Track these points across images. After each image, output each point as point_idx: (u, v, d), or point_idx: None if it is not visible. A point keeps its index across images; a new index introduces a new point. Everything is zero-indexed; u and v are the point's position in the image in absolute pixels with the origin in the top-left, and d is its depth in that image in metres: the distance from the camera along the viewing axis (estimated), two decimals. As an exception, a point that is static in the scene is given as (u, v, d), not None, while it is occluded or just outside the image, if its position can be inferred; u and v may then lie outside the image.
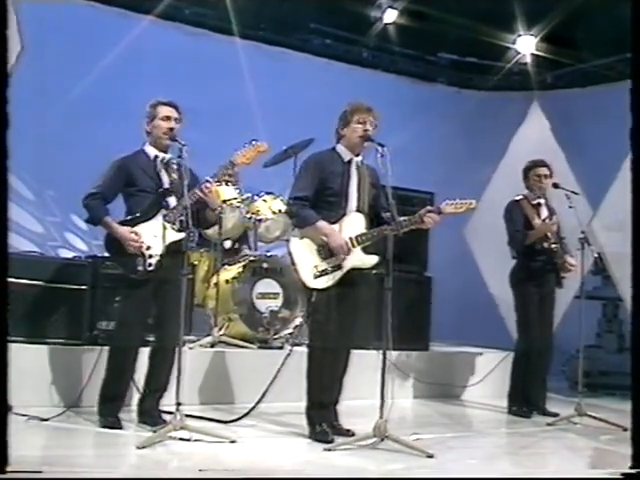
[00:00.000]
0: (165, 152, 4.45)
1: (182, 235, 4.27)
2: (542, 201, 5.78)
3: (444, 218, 4.37)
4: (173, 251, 4.30)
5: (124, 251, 4.25)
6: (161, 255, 4.30)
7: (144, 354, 4.44)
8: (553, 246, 5.62)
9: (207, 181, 4.27)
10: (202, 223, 4.52)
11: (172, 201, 4.36)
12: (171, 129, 4.37)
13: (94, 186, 4.34)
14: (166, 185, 4.39)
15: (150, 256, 4.28)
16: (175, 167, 4.44)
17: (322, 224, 4.24)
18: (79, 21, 7.10)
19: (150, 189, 4.36)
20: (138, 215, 4.32)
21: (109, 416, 4.28)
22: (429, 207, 4.44)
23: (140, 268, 4.26)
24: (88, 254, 6.15)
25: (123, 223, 4.31)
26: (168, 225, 4.31)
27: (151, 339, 4.49)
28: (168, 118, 4.39)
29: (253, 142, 4.28)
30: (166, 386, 4.38)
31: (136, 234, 4.25)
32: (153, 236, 4.29)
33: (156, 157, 4.43)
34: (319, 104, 6.99)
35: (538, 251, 5.64)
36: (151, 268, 4.27)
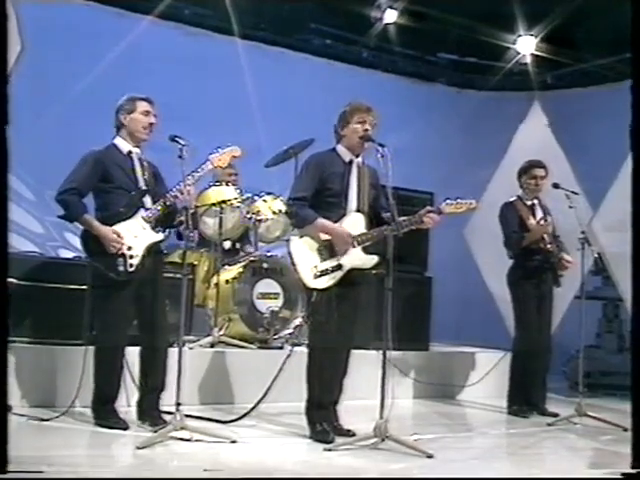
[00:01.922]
0: (138, 147, 4.42)
1: (162, 236, 4.29)
2: (536, 202, 5.78)
3: (444, 218, 4.37)
4: (154, 252, 4.30)
5: (104, 250, 4.19)
6: (142, 256, 4.26)
7: (136, 354, 4.42)
8: (549, 246, 5.62)
9: (189, 177, 4.23)
10: (171, 223, 4.44)
11: (147, 201, 4.34)
12: (151, 124, 4.36)
13: (69, 180, 4.27)
14: (142, 183, 4.36)
15: (131, 256, 4.23)
16: (146, 164, 4.43)
17: (322, 221, 4.24)
18: (79, 21, 7.09)
19: (127, 187, 4.31)
20: (116, 213, 4.26)
21: (109, 418, 4.26)
22: (429, 207, 4.44)
23: (121, 269, 4.20)
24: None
25: (102, 221, 4.24)
26: (147, 225, 4.29)
27: (140, 339, 4.42)
28: (148, 113, 4.38)
29: (229, 146, 4.33)
30: (162, 385, 4.36)
31: (118, 234, 4.21)
32: (133, 236, 4.25)
33: (130, 152, 4.39)
34: (319, 104, 6.99)
35: (534, 251, 5.64)
36: (132, 269, 4.23)
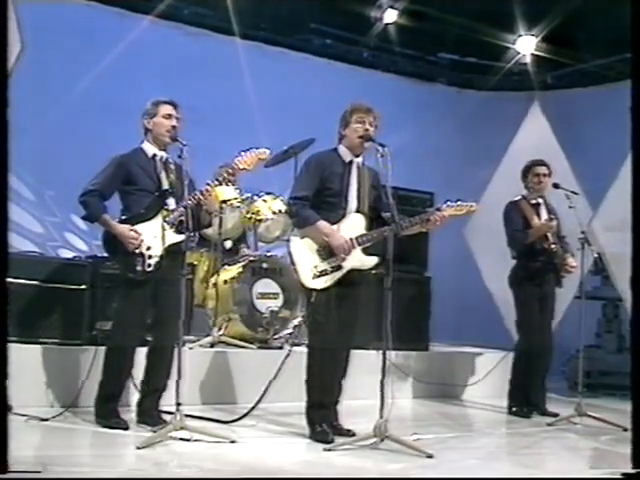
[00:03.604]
0: (164, 150, 4.45)
1: (182, 237, 4.28)
2: (541, 201, 5.78)
3: (445, 220, 4.36)
4: (173, 252, 4.30)
5: (123, 250, 4.23)
6: (161, 256, 4.28)
7: (141, 354, 4.42)
8: (552, 246, 5.62)
9: (207, 184, 4.26)
10: (196, 226, 4.44)
11: (171, 203, 4.36)
12: (174, 127, 4.37)
13: (92, 183, 4.31)
14: (166, 186, 4.38)
15: (150, 256, 4.26)
16: (172, 167, 4.44)
17: (322, 224, 4.24)
18: (79, 21, 7.10)
19: (150, 189, 4.35)
20: (137, 214, 4.30)
21: (110, 417, 4.27)
22: (431, 210, 4.45)
23: (139, 268, 4.24)
24: (88, 254, 6.15)
25: (122, 221, 4.29)
26: (168, 226, 4.30)
27: (149, 339, 4.46)
28: (170, 116, 4.39)
29: (255, 148, 4.29)
30: (165, 386, 4.37)
31: (136, 233, 4.24)
32: (153, 237, 4.28)
33: (155, 156, 4.42)
34: (319, 104, 7.00)
35: (538, 251, 5.64)
36: (150, 269, 4.26)
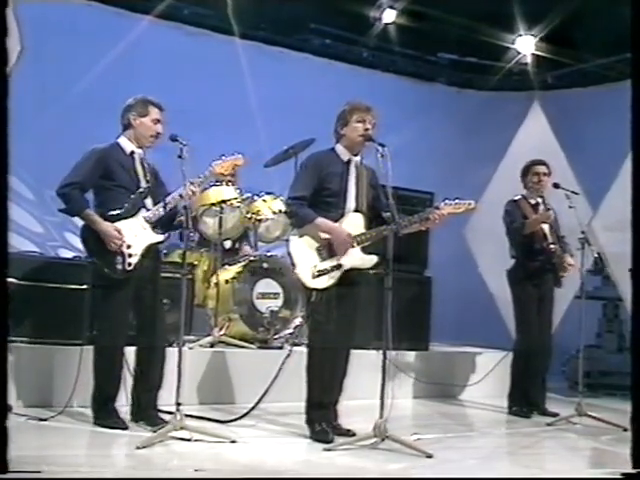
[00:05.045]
0: (141, 148, 4.42)
1: (162, 237, 4.30)
2: (540, 200, 5.79)
3: (444, 218, 4.36)
4: (153, 252, 4.30)
5: (103, 247, 4.18)
6: (141, 255, 4.26)
7: (132, 353, 4.41)
8: (551, 246, 5.62)
9: (191, 183, 4.23)
10: (173, 226, 4.45)
11: (148, 202, 4.35)
12: (158, 134, 4.35)
13: (72, 175, 4.26)
14: (144, 184, 4.35)
15: (130, 255, 4.23)
16: (147, 166, 4.43)
17: (322, 220, 4.24)
18: (79, 21, 7.09)
19: (127, 186, 4.31)
20: (119, 212, 4.25)
21: (109, 417, 4.26)
22: (430, 209, 4.45)
23: (119, 267, 4.20)
24: (88, 254, 6.14)
25: (103, 218, 4.23)
26: (147, 226, 4.29)
27: (137, 339, 4.43)
28: (158, 121, 4.37)
29: (233, 154, 4.37)
30: (160, 384, 4.36)
31: (119, 232, 4.21)
32: (134, 235, 4.25)
33: (132, 153, 4.39)
34: (319, 104, 6.97)
35: (536, 251, 5.65)
36: (130, 268, 4.22)
